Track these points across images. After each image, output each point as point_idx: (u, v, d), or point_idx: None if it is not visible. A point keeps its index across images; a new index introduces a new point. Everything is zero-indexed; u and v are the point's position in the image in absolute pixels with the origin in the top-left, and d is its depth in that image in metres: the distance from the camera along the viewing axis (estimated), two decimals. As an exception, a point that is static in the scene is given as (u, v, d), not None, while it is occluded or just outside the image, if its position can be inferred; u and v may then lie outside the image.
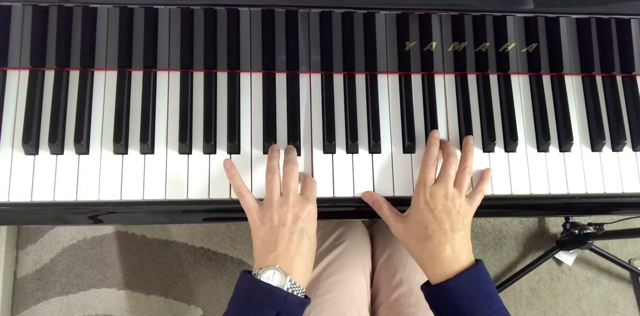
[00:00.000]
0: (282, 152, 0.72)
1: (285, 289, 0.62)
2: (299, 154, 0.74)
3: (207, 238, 1.49)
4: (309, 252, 0.66)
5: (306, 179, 0.71)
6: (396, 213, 0.71)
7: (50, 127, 0.71)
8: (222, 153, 0.73)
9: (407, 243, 0.70)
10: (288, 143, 0.73)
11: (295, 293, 0.63)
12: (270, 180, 0.67)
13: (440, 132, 0.76)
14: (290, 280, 0.63)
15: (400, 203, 0.74)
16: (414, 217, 0.68)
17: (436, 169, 0.71)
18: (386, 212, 0.71)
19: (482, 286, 0.64)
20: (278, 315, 0.61)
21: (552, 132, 0.77)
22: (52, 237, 1.48)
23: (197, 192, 0.71)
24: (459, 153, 0.74)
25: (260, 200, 0.69)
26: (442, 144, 0.74)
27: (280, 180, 0.68)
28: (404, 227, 0.69)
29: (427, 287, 0.67)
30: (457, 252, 0.65)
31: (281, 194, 0.67)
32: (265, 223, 0.66)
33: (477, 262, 0.66)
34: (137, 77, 0.74)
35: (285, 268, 0.63)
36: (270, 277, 0.62)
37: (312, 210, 0.67)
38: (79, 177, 0.71)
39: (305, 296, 0.65)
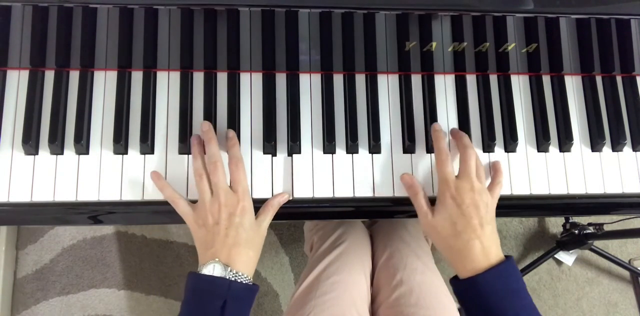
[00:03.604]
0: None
1: (228, 278, 0.64)
2: (299, 152, 0.74)
3: (207, 238, 1.49)
4: (247, 242, 0.67)
5: (232, 170, 0.69)
6: (427, 205, 0.70)
7: (50, 127, 0.71)
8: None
9: (434, 239, 0.70)
10: (288, 143, 0.73)
11: (239, 281, 0.64)
12: (199, 182, 0.68)
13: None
14: (231, 270, 0.64)
15: (401, 203, 0.74)
16: (442, 214, 0.68)
17: (452, 161, 0.71)
18: (420, 200, 0.70)
19: (510, 282, 0.64)
20: (225, 303, 0.62)
21: (552, 132, 0.77)
22: (52, 237, 1.48)
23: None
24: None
25: (194, 202, 0.69)
26: (456, 137, 0.74)
27: (209, 179, 0.68)
28: (432, 222, 0.69)
29: (456, 281, 0.67)
30: (486, 248, 0.65)
31: (212, 193, 0.68)
32: (201, 225, 0.67)
33: (507, 258, 0.66)
34: (137, 77, 0.74)
35: (224, 261, 0.65)
36: (211, 270, 0.64)
37: (245, 204, 0.68)
38: (79, 177, 0.71)
39: (253, 284, 0.66)
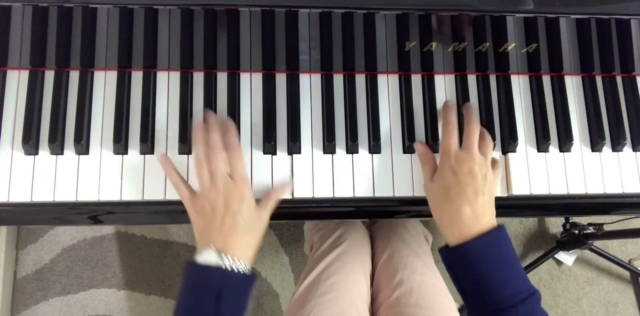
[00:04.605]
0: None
1: (224, 266, 0.63)
2: (298, 152, 0.74)
3: (207, 238, 1.49)
4: (246, 230, 0.66)
5: (230, 158, 0.69)
6: (432, 173, 0.71)
7: (50, 127, 0.71)
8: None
9: (430, 204, 0.70)
10: (288, 143, 0.73)
11: (235, 268, 0.64)
12: (198, 170, 0.68)
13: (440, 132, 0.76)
14: (226, 256, 0.63)
15: (401, 203, 0.74)
16: (439, 181, 0.68)
17: (457, 135, 0.71)
18: (426, 167, 0.72)
19: (501, 250, 0.64)
20: (220, 292, 0.61)
21: (552, 132, 0.77)
22: (52, 237, 1.48)
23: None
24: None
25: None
26: (465, 112, 0.74)
27: (209, 167, 0.68)
28: (430, 188, 0.70)
29: (444, 249, 0.67)
30: (478, 215, 0.64)
31: (211, 181, 0.67)
32: (199, 213, 0.67)
33: (499, 227, 0.65)
34: (137, 77, 0.74)
35: (220, 248, 0.64)
36: (207, 258, 0.63)
37: (243, 191, 0.67)
38: (79, 177, 0.71)
39: (251, 274, 0.66)
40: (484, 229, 0.64)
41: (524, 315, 0.61)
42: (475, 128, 0.71)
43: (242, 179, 0.68)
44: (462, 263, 0.64)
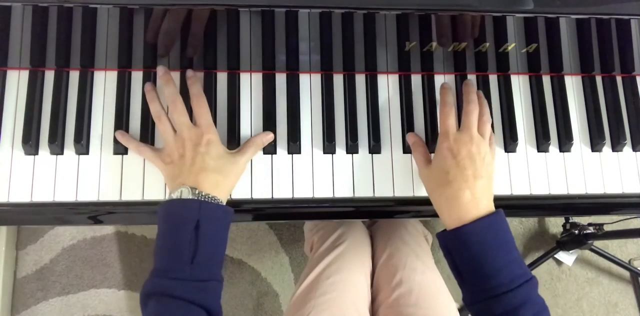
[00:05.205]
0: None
1: (197, 198, 0.62)
2: (298, 152, 0.74)
3: (207, 238, 1.49)
4: (215, 169, 0.65)
5: (194, 106, 0.69)
6: (426, 160, 0.71)
7: (50, 127, 0.71)
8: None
9: (427, 188, 0.70)
10: (288, 143, 0.73)
11: (209, 200, 0.63)
12: (159, 124, 0.69)
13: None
14: (199, 192, 0.63)
15: (401, 203, 0.74)
16: (437, 164, 0.68)
17: (455, 116, 0.71)
18: (419, 154, 0.72)
19: (499, 234, 0.63)
20: (198, 223, 0.61)
21: (552, 132, 0.77)
22: (52, 237, 1.48)
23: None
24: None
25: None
26: (465, 88, 0.75)
27: (169, 119, 0.69)
28: (427, 172, 0.70)
29: (442, 233, 0.66)
30: (476, 199, 0.64)
31: (176, 132, 0.68)
32: (168, 162, 0.67)
33: (497, 211, 0.65)
34: (137, 77, 0.74)
35: (191, 184, 0.64)
36: (179, 195, 0.63)
37: (210, 136, 0.67)
38: (79, 177, 0.71)
39: (229, 207, 0.66)
40: (482, 213, 0.64)
41: (521, 301, 0.60)
42: (474, 108, 0.71)
43: (207, 125, 0.68)
44: (460, 246, 0.63)
